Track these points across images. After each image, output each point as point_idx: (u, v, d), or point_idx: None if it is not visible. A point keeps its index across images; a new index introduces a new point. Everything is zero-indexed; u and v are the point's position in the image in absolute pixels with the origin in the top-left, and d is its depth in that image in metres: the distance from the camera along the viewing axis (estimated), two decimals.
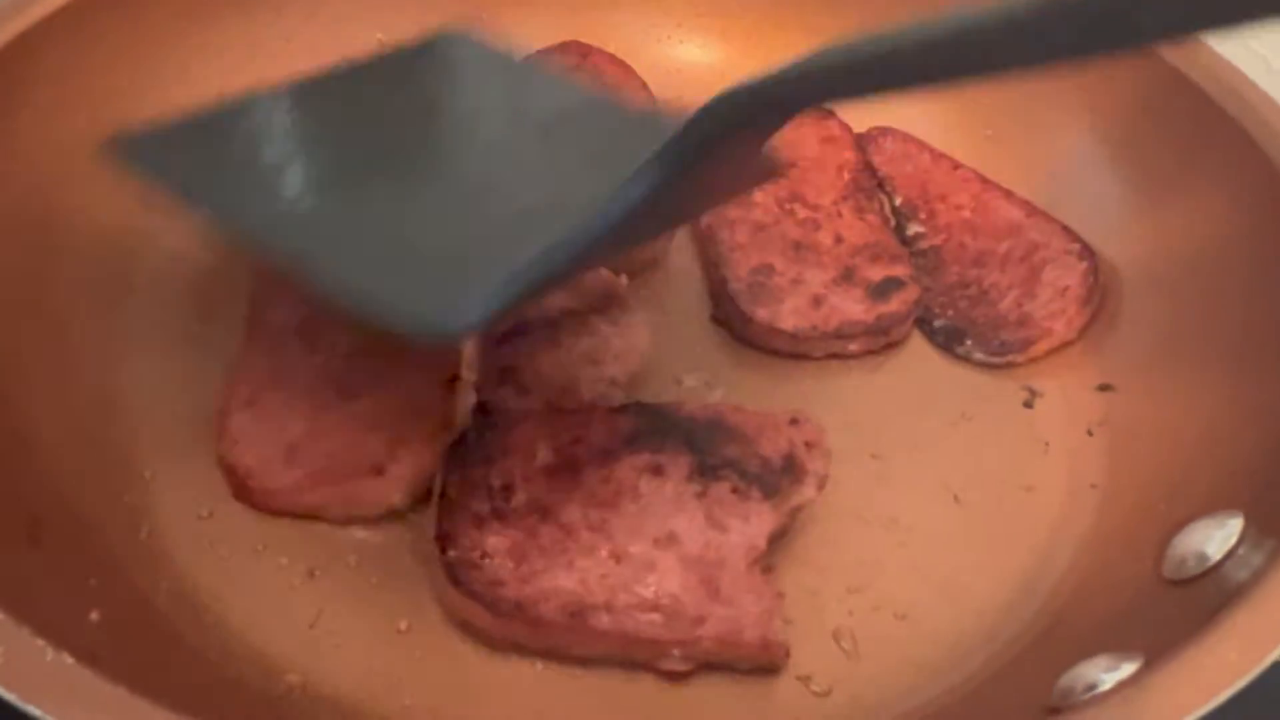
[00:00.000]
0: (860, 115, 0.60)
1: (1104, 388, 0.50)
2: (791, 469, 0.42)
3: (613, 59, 0.63)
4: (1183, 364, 0.48)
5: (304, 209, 0.44)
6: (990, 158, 0.59)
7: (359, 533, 0.43)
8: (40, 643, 0.29)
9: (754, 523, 0.41)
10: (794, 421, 0.44)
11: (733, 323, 0.52)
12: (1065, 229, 0.54)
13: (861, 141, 0.59)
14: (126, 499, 0.43)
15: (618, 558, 0.39)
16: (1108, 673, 0.34)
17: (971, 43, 0.28)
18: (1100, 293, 0.52)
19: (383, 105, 0.50)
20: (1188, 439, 0.44)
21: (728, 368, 0.51)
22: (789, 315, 0.50)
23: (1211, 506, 0.39)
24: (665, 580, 0.39)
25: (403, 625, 0.41)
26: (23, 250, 0.47)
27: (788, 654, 0.40)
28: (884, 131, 0.60)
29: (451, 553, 0.40)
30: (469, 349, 0.47)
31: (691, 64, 0.65)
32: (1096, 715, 0.31)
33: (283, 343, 0.47)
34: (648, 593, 0.38)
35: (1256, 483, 0.40)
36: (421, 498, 0.44)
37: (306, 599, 0.41)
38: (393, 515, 0.44)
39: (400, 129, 0.49)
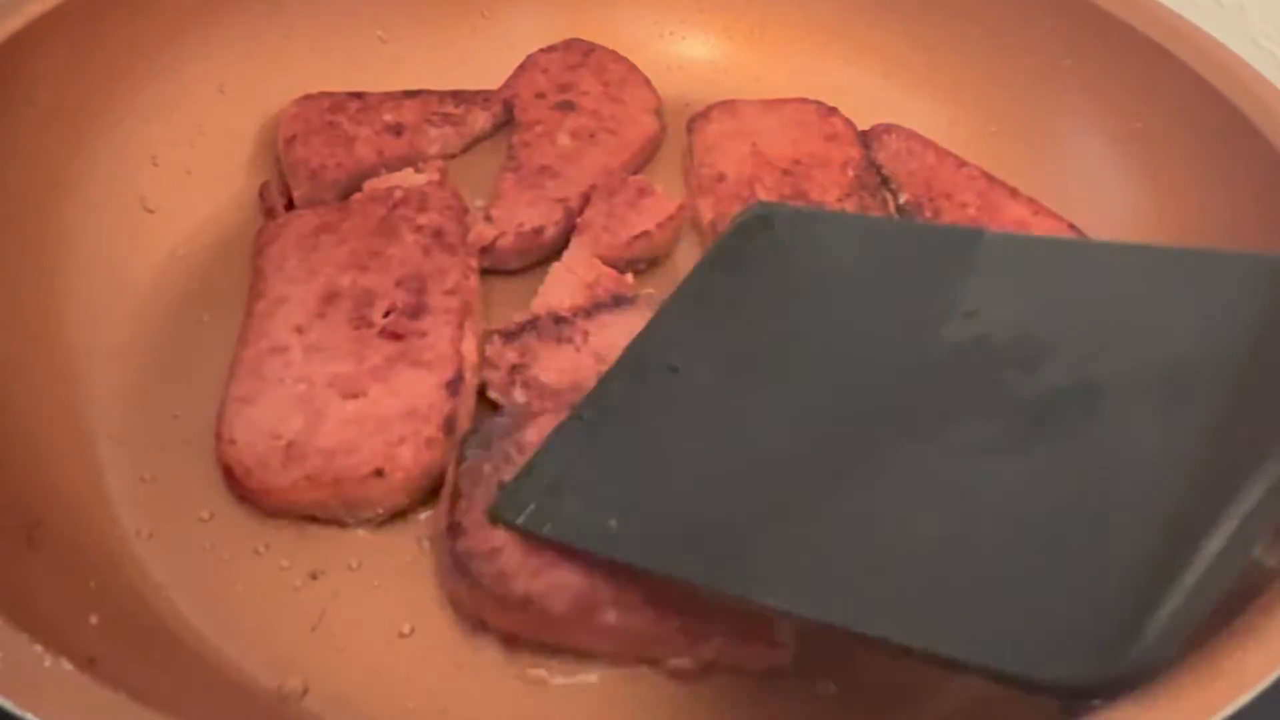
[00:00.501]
0: (865, 112, 0.59)
1: None
2: None
3: (615, 56, 0.63)
4: None
5: (751, 531, 0.34)
6: (994, 154, 0.58)
7: (361, 534, 0.43)
8: (38, 649, 0.29)
9: None
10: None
11: None
12: (1072, 227, 0.53)
13: (866, 138, 0.59)
14: (127, 500, 0.43)
15: None
16: None
17: None
18: None
19: (748, 342, 0.40)
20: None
21: None
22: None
23: None
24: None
25: (405, 628, 0.40)
26: (21, 251, 0.46)
27: (791, 655, 0.39)
28: (888, 129, 0.59)
29: (461, 544, 0.39)
30: (471, 349, 0.46)
31: (694, 60, 0.65)
32: (1112, 718, 0.31)
33: (282, 341, 0.46)
34: (655, 591, 0.37)
35: None
36: (422, 499, 0.43)
37: (309, 601, 0.41)
38: (394, 517, 0.43)
39: (808, 352, 0.38)
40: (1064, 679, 0.26)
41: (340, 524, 0.43)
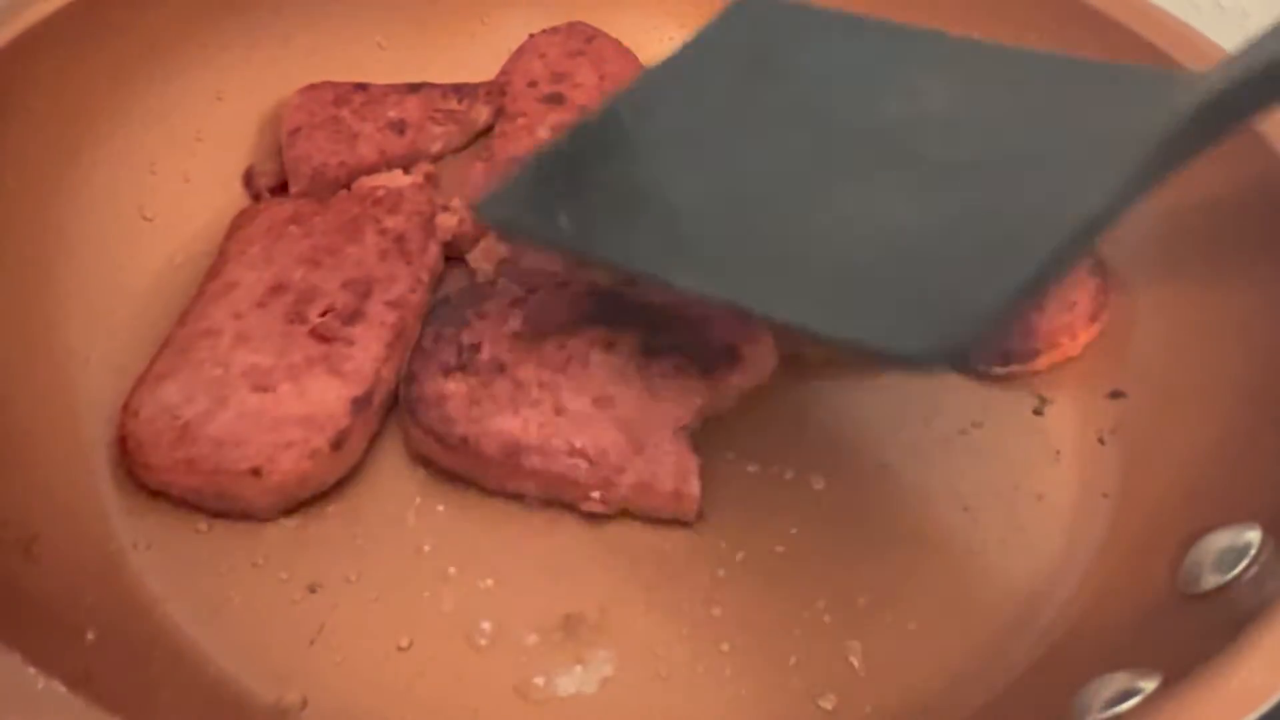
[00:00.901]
0: None
1: (1115, 395, 0.49)
2: (730, 354, 0.46)
3: (617, 45, 0.62)
4: (1196, 370, 0.47)
5: (712, 231, 0.41)
6: None
7: (360, 545, 0.43)
8: (31, 671, 0.28)
9: (687, 396, 0.45)
10: (743, 316, 0.45)
11: None
12: None
13: None
14: (125, 512, 0.43)
15: (559, 411, 0.44)
16: (1126, 691, 0.33)
17: None
18: (1109, 311, 0.51)
19: (736, 94, 0.46)
20: (1203, 447, 0.44)
21: None
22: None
23: (1229, 517, 0.39)
24: (597, 434, 0.43)
25: (404, 641, 0.40)
26: (19, 259, 0.46)
27: (700, 512, 0.43)
28: None
29: (414, 390, 0.45)
30: (391, 373, 0.46)
31: None
32: None
33: (218, 325, 0.46)
34: (578, 442, 0.43)
35: (1276, 493, 0.39)
36: (291, 509, 0.43)
37: (307, 614, 0.41)
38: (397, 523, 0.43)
39: (774, 115, 0.44)
40: (903, 351, 0.34)
41: (215, 515, 0.43)
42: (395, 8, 0.61)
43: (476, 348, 0.46)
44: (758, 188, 0.42)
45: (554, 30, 0.62)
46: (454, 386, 0.45)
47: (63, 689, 0.28)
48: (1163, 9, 0.54)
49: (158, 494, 0.43)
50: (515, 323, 0.47)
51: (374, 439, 0.45)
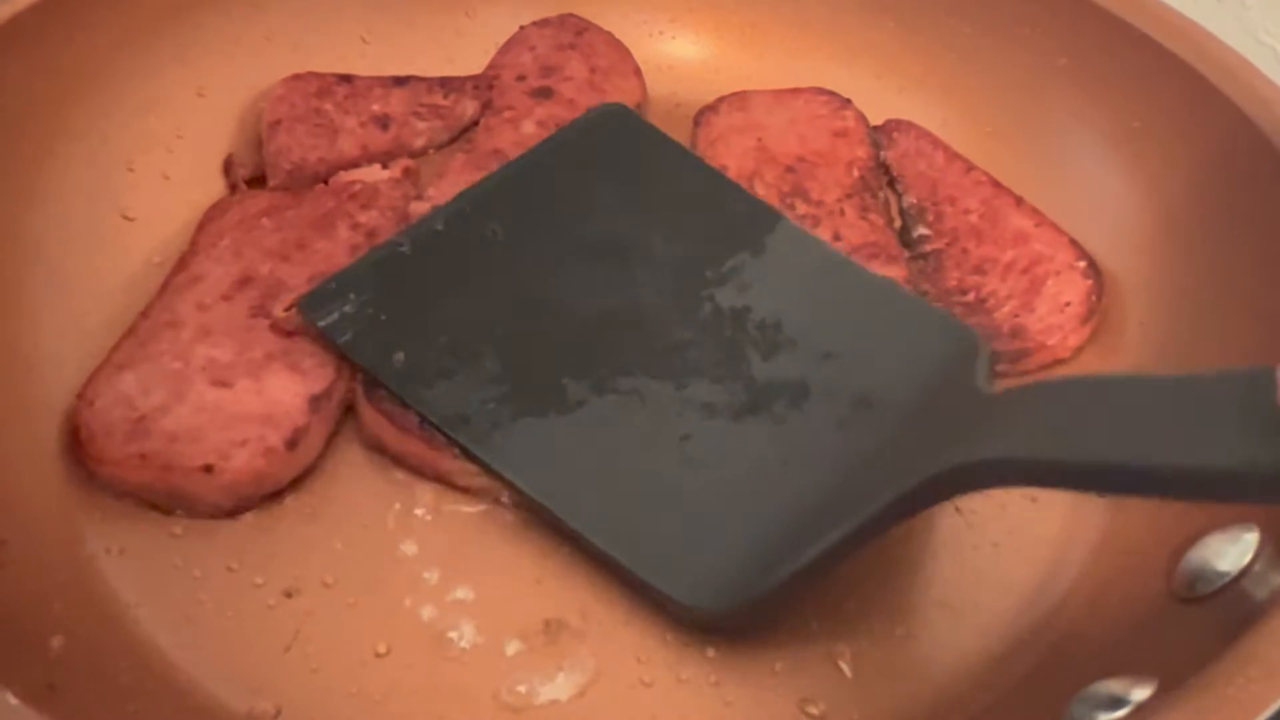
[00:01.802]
0: (873, 117, 0.58)
1: None
2: None
3: (609, 39, 0.61)
4: (1191, 368, 0.46)
5: (511, 408, 0.42)
6: (990, 154, 0.57)
7: (338, 548, 0.42)
8: None
9: None
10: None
11: None
12: (1073, 243, 0.52)
13: (876, 134, 0.57)
14: (95, 517, 0.42)
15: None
16: (1121, 697, 0.32)
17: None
18: (1101, 314, 0.50)
19: (569, 225, 0.48)
20: None
21: None
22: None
23: (1224, 520, 0.38)
24: None
25: (382, 648, 0.39)
26: None
27: None
28: (899, 125, 0.58)
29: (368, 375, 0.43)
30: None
31: (684, 60, 0.64)
32: None
33: (181, 317, 0.46)
34: None
35: None
36: (246, 506, 0.42)
37: (282, 620, 0.40)
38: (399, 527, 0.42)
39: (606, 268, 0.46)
40: (690, 603, 0.36)
41: (166, 511, 0.42)
42: (379, 3, 0.60)
43: None
44: (561, 358, 0.43)
45: (544, 23, 0.61)
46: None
47: (14, 700, 0.27)
48: (1158, 1, 0.53)
49: (124, 495, 0.42)
50: None
51: (333, 437, 0.45)
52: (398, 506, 0.43)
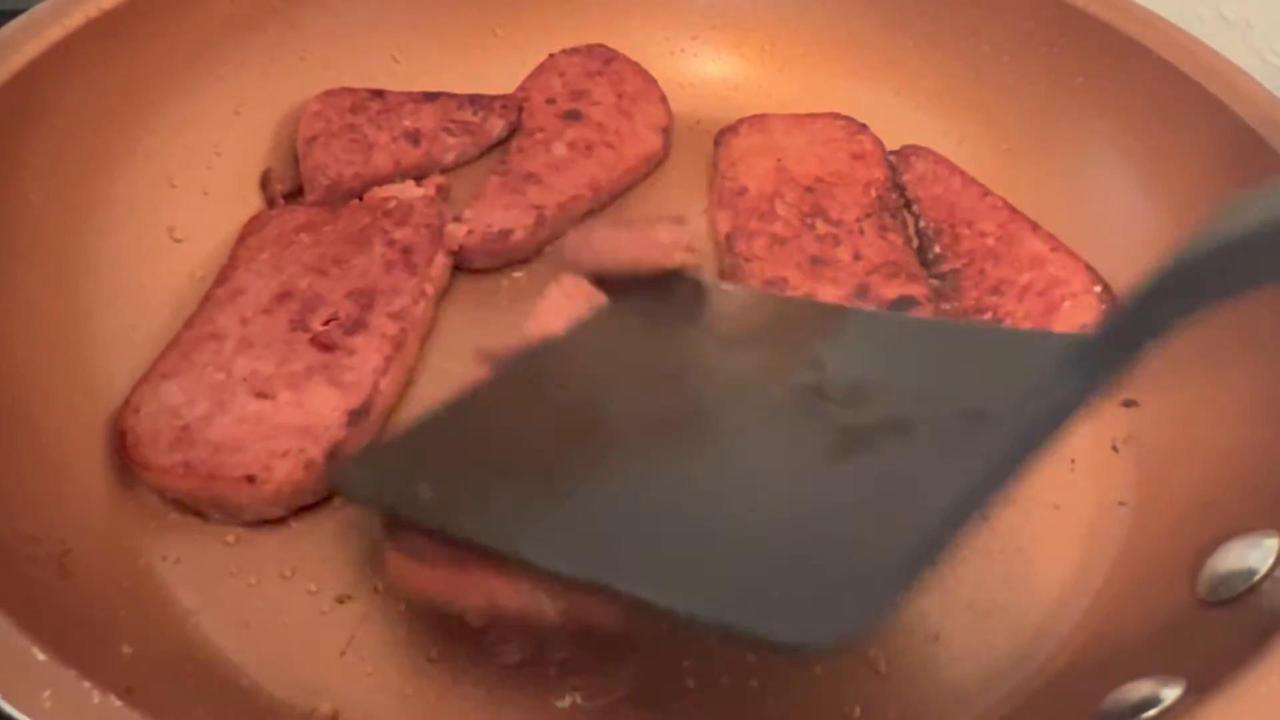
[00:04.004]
0: (876, 130, 0.60)
1: (1128, 403, 0.50)
2: None
3: (637, 68, 0.63)
4: (1209, 379, 0.48)
5: (587, 520, 0.35)
6: (1006, 171, 0.59)
7: (389, 555, 0.43)
8: (86, 684, 0.29)
9: None
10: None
11: None
12: (1089, 268, 0.53)
13: (894, 158, 0.59)
14: (153, 526, 0.43)
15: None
16: (1151, 698, 0.34)
17: None
18: None
19: (613, 372, 0.43)
20: (1218, 455, 0.44)
21: None
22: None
23: (1247, 525, 0.39)
24: None
25: (433, 653, 0.40)
26: (45, 275, 0.47)
27: None
28: (916, 150, 0.60)
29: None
30: (391, 387, 0.47)
31: (705, 78, 0.65)
32: None
33: (223, 329, 0.47)
34: None
35: None
36: (294, 513, 0.44)
37: (337, 626, 0.41)
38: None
39: (645, 396, 0.41)
40: (794, 643, 0.30)
41: (212, 520, 0.43)
42: (410, 23, 0.62)
43: None
44: (641, 468, 0.37)
45: (574, 50, 0.63)
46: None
47: (118, 702, 0.28)
48: (1168, 21, 0.55)
49: (169, 501, 0.43)
50: None
51: None
52: None
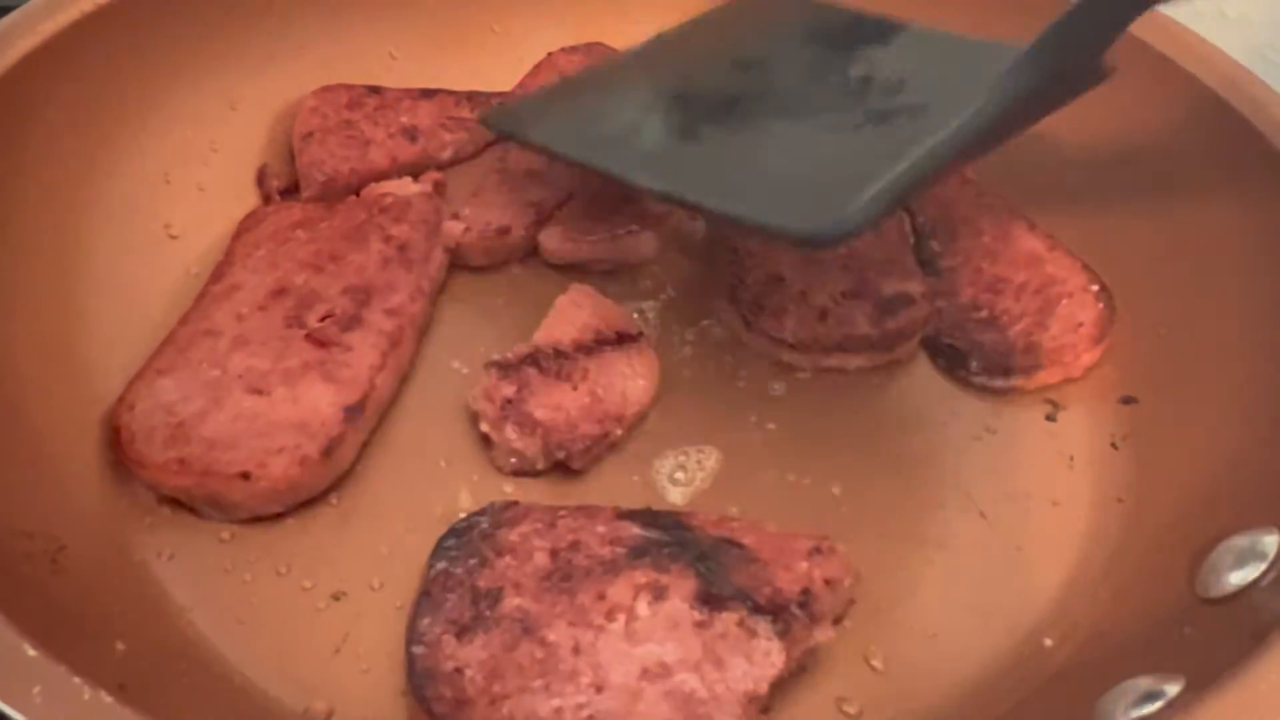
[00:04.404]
0: None
1: (1127, 400, 0.50)
2: (807, 607, 0.38)
3: None
4: (1208, 376, 0.48)
5: (659, 145, 0.49)
6: (1000, 167, 0.58)
7: (383, 552, 0.43)
8: (77, 680, 0.29)
9: (758, 663, 0.36)
10: (816, 550, 0.40)
11: (738, 328, 0.52)
12: (1085, 267, 0.53)
13: None
14: (148, 522, 0.43)
15: (600, 687, 0.36)
16: (1150, 695, 0.33)
17: None
18: (1113, 335, 0.51)
19: (706, 55, 0.55)
20: (1217, 452, 0.44)
21: None
22: (792, 326, 0.50)
23: (1245, 522, 0.39)
24: (650, 717, 0.35)
25: None
26: (41, 271, 0.46)
27: None
28: None
29: (420, 662, 0.37)
30: (386, 383, 0.47)
31: None
32: None
33: (218, 326, 0.47)
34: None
35: None
36: (290, 510, 0.43)
37: (332, 623, 0.41)
38: (434, 527, 0.43)
39: (727, 71, 0.53)
40: (805, 230, 0.41)
41: (206, 516, 0.43)
42: (407, 19, 0.61)
43: (496, 595, 0.38)
44: (715, 120, 0.49)
45: (573, 49, 0.63)
46: (469, 653, 0.37)
47: (109, 698, 0.28)
48: (1168, 17, 0.54)
49: (163, 498, 0.43)
50: (542, 559, 0.39)
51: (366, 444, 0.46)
52: (439, 510, 0.44)
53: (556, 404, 0.46)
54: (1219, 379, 0.47)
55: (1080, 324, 0.51)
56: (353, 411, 0.44)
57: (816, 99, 0.50)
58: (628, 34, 0.63)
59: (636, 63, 0.55)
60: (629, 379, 0.47)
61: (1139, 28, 0.54)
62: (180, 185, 0.54)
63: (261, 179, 0.56)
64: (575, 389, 0.46)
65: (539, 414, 0.45)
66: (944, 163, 0.44)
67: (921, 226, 0.56)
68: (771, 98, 0.51)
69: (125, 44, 0.51)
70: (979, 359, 0.50)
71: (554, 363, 0.47)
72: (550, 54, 0.62)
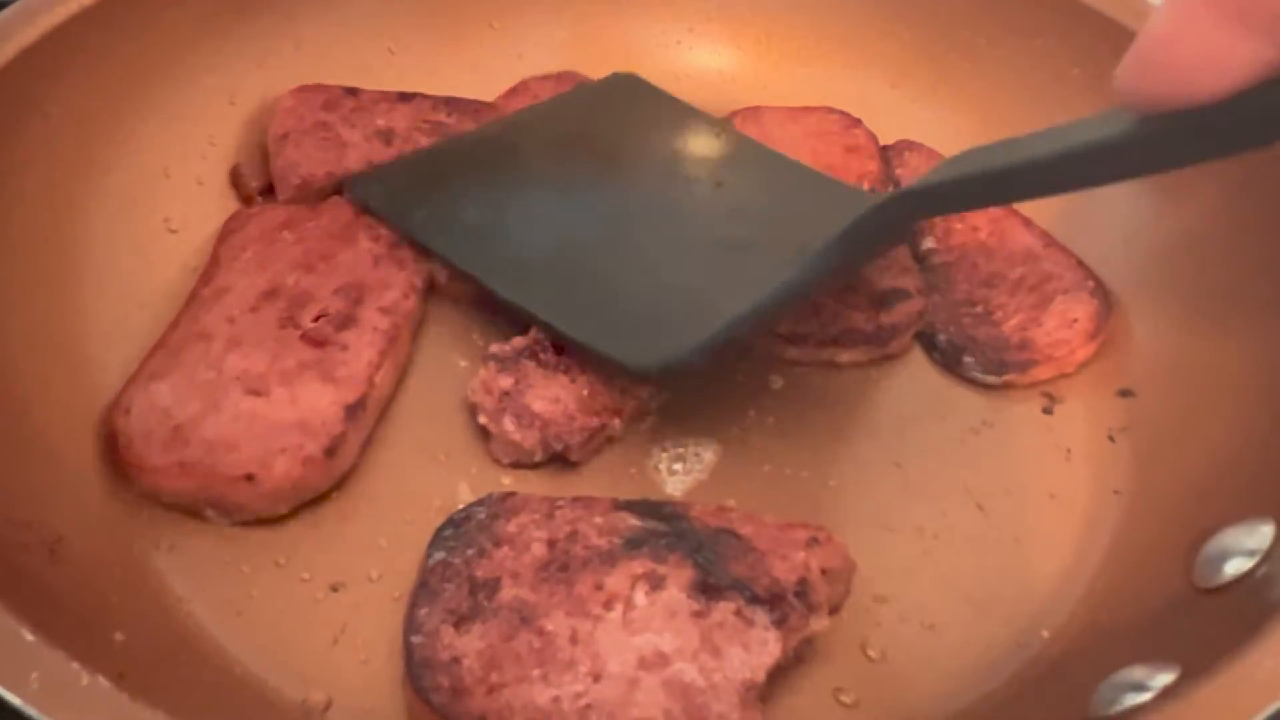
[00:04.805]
0: (872, 122, 0.60)
1: (1124, 393, 0.50)
2: (804, 596, 0.38)
3: None
4: (1204, 368, 0.48)
5: (518, 249, 0.51)
6: None
7: (382, 544, 0.43)
8: (75, 666, 0.29)
9: (755, 652, 0.37)
10: (813, 541, 0.40)
11: None
12: (1081, 264, 0.53)
13: (886, 153, 0.59)
14: (146, 514, 0.43)
15: (597, 676, 0.36)
16: (1145, 683, 0.34)
17: (1087, 159, 0.35)
18: (1108, 332, 0.51)
19: (572, 146, 0.57)
20: (1214, 444, 0.44)
21: None
22: (788, 319, 0.50)
23: (1241, 513, 0.39)
24: (647, 706, 0.35)
25: None
26: (39, 265, 0.47)
27: None
28: (910, 145, 0.59)
29: (418, 651, 0.37)
30: (385, 380, 0.47)
31: (701, 69, 0.65)
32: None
33: (210, 329, 0.46)
34: (626, 718, 0.35)
35: None
36: (293, 511, 0.43)
37: (330, 614, 0.41)
38: (437, 521, 0.43)
39: (590, 170, 0.55)
40: (634, 364, 0.45)
41: (207, 518, 0.43)
42: (405, 14, 0.61)
43: (494, 585, 0.39)
44: (574, 230, 0.52)
45: (546, 77, 0.62)
46: (467, 643, 0.37)
47: (107, 684, 0.28)
48: None
49: (164, 503, 0.43)
50: (539, 549, 0.40)
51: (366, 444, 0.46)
52: (438, 503, 0.44)
53: (555, 396, 0.46)
54: (1216, 372, 0.47)
55: (1075, 320, 0.51)
56: (353, 410, 0.44)
57: (673, 210, 0.53)
58: (625, 30, 0.64)
59: (501, 143, 0.56)
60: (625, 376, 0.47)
61: (1136, 23, 0.55)
62: (179, 179, 0.54)
63: (236, 180, 0.56)
64: (573, 381, 0.46)
65: (537, 406, 0.45)
66: (780, 309, 0.48)
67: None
68: (632, 201, 0.53)
69: (124, 38, 0.51)
70: (973, 354, 0.50)
71: (552, 355, 0.47)
72: (524, 81, 0.61)
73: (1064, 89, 0.57)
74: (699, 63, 0.65)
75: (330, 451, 0.43)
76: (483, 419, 0.46)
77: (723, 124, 0.59)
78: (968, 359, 0.50)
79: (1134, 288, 0.52)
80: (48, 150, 0.48)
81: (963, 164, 0.41)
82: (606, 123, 0.58)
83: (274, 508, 0.43)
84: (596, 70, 0.62)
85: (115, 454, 0.43)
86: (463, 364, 0.50)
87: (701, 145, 0.57)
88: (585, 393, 0.46)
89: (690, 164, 0.56)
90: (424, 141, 0.57)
